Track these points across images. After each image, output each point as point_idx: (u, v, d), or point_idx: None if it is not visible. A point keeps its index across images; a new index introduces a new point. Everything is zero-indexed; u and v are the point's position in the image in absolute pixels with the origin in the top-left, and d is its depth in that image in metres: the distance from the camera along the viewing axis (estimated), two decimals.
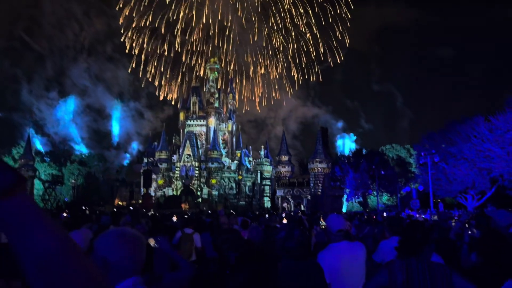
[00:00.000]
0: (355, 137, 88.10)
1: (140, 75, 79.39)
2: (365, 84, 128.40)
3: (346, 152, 71.77)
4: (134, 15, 74.78)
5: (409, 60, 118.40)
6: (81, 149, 76.01)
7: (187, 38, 75.81)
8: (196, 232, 7.15)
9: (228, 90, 68.67)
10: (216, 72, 65.51)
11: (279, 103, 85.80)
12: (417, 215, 17.11)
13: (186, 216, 10.62)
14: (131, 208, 26.24)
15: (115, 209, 26.31)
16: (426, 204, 34.31)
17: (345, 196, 53.88)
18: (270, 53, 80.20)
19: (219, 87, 66.45)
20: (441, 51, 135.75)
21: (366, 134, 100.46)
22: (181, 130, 64.92)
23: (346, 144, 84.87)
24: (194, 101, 63.90)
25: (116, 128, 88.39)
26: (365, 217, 16.19)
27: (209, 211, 21.36)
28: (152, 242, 2.66)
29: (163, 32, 75.71)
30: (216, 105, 63.17)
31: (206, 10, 73.31)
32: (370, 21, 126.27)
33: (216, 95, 63.68)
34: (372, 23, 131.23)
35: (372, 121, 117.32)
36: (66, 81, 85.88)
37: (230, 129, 66.11)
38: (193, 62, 76.59)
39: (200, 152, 60.23)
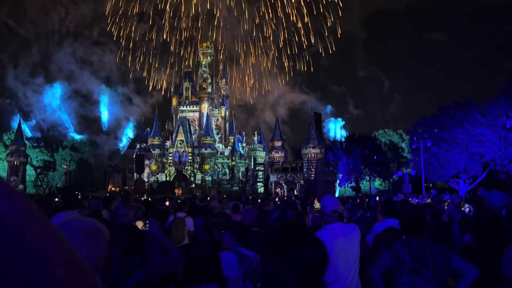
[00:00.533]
0: (343, 122, 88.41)
1: (129, 65, 78.12)
2: (352, 69, 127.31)
3: (338, 137, 72.05)
4: (120, 2, 73.32)
5: (399, 45, 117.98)
6: (73, 135, 75.36)
7: (175, 24, 74.76)
8: (188, 216, 7.09)
9: (221, 75, 68.06)
10: (209, 57, 64.83)
11: (268, 90, 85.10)
12: (410, 199, 17.22)
13: (179, 201, 10.56)
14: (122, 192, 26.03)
15: (107, 194, 26.19)
16: (419, 189, 34.64)
17: (338, 181, 54.20)
18: (261, 42, 79.39)
19: (210, 72, 65.86)
20: (434, 36, 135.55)
21: (355, 119, 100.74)
22: (173, 116, 64.47)
23: (336, 129, 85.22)
24: (187, 87, 63.32)
25: (104, 114, 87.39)
26: (358, 201, 16.25)
27: (202, 197, 21.37)
28: (140, 224, 2.57)
29: (151, 19, 74.50)
30: (209, 90, 62.70)
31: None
32: (360, 6, 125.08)
33: (209, 80, 63.14)
34: (363, 8, 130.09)
35: (361, 107, 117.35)
36: (52, 66, 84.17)
37: (223, 114, 65.79)
38: (182, 49, 75.62)
39: (193, 138, 60.00)
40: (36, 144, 62.50)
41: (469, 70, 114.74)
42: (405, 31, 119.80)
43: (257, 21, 76.02)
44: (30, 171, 55.50)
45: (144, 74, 77.98)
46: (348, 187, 54.99)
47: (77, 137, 72.24)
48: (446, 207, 9.26)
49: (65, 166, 54.76)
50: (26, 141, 56.86)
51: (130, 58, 76.85)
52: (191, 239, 6.78)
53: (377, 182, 54.84)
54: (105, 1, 73.70)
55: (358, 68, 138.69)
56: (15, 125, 65.84)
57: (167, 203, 9.90)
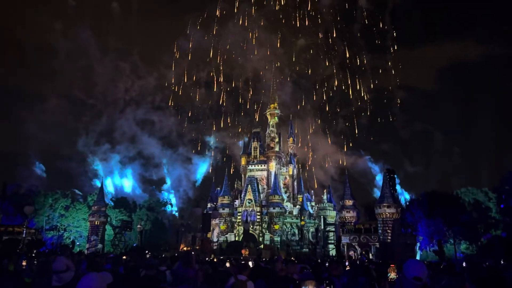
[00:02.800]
0: (398, 180, 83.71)
1: (186, 127, 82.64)
2: (400, 125, 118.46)
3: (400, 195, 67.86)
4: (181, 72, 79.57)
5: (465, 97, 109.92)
6: (143, 196, 79.62)
7: (231, 87, 79.00)
8: (249, 280, 6.63)
9: (288, 134, 68.75)
10: (276, 117, 66.28)
11: (318, 148, 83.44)
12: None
13: (242, 262, 10.14)
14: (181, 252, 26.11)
15: (176, 254, 26.44)
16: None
17: (418, 244, 49.92)
18: (319, 115, 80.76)
19: (278, 131, 67.06)
20: None
21: (413, 176, 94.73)
22: (242, 175, 65.49)
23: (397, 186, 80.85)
24: (255, 146, 64.69)
25: (167, 175, 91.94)
26: (442, 267, 14.59)
27: (267, 258, 20.60)
28: None
29: (213, 88, 79.65)
30: (277, 149, 63.36)
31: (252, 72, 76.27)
32: (430, 61, 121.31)
33: (277, 140, 64.04)
34: (432, 62, 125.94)
35: (418, 163, 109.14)
36: (117, 132, 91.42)
37: (291, 173, 65.46)
38: (242, 111, 78.96)
39: (262, 197, 59.89)
40: (115, 204, 66.46)
41: None
42: (479, 82, 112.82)
43: (314, 95, 77.97)
44: (109, 231, 58.52)
45: (205, 135, 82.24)
46: (430, 251, 50.28)
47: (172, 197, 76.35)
48: None
49: (138, 226, 56.92)
50: (107, 201, 60.73)
51: (189, 120, 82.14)
52: None
53: (463, 246, 49.55)
54: (167, 72, 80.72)
55: (405, 123, 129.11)
56: (87, 188, 72.15)
57: (227, 264, 9.53)
